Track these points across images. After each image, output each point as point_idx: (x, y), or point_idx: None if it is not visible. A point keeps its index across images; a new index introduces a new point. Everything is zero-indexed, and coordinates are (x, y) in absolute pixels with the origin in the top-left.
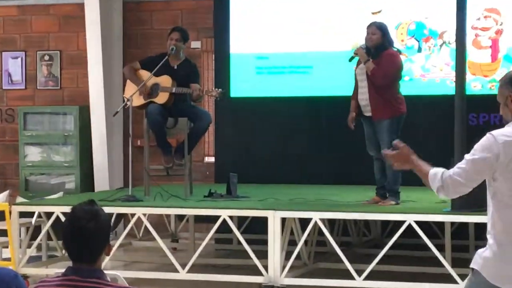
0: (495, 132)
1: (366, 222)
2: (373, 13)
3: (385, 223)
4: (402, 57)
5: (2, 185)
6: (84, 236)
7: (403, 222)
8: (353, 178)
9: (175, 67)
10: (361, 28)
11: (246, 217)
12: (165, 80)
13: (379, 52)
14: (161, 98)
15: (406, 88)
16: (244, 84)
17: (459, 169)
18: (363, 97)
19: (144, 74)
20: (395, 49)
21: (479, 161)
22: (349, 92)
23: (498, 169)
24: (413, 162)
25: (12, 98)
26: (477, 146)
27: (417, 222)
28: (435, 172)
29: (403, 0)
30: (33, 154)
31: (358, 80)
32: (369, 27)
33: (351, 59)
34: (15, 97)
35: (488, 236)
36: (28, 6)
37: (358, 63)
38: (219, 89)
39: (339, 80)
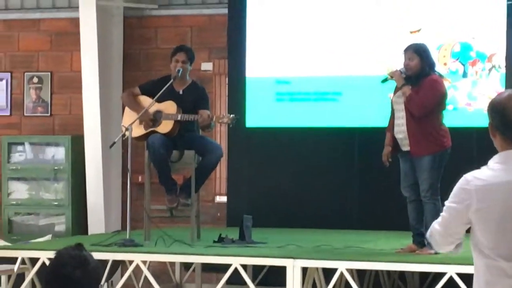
0: (470, 175)
1: (402, 274)
2: (411, 32)
3: (424, 275)
4: (445, 84)
5: None
6: (68, 285)
7: (443, 274)
8: (387, 222)
9: (181, 92)
10: (397, 49)
11: (262, 267)
12: (169, 107)
13: (419, 78)
14: (165, 127)
15: (449, 119)
16: (262, 113)
17: (440, 217)
18: (400, 129)
19: (145, 100)
20: (438, 74)
21: (452, 209)
22: (384, 123)
23: (473, 218)
24: None
25: None
26: (454, 189)
27: (459, 275)
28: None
29: (446, 18)
30: (18, 191)
31: (395, 110)
32: (405, 51)
33: (384, 80)
34: None
35: None
36: (15, 21)
37: (396, 90)
38: (232, 115)
39: (373, 109)
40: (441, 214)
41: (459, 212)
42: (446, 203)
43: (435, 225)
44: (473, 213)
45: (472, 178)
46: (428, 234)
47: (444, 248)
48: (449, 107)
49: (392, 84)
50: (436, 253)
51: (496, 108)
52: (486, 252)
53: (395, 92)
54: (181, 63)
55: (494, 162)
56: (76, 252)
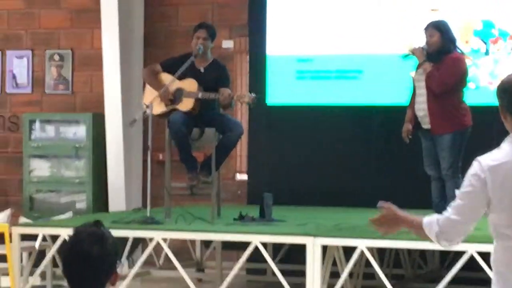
0: (481, 157)
1: (422, 253)
2: (432, 10)
3: (444, 253)
4: (467, 61)
5: (3, 203)
6: (86, 262)
7: (464, 252)
8: (408, 200)
9: (202, 70)
10: (419, 27)
11: (282, 245)
12: (190, 84)
13: (441, 55)
14: (186, 105)
15: (471, 97)
16: (282, 90)
17: (453, 208)
18: (421, 107)
19: (166, 77)
20: (459, 51)
21: (468, 193)
22: (405, 101)
23: (490, 199)
24: (403, 220)
25: (16, 103)
26: (465, 176)
27: (480, 253)
28: (430, 220)
29: None
30: (39, 168)
31: (416, 87)
32: (426, 29)
33: (405, 56)
34: (20, 102)
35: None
36: None
37: (418, 67)
38: (253, 94)
39: (393, 86)
40: (455, 204)
41: (478, 194)
42: (460, 191)
43: (451, 216)
44: (490, 193)
45: (483, 160)
46: (436, 232)
47: (456, 240)
48: (470, 85)
49: (414, 62)
50: None
51: (505, 89)
52: (503, 232)
53: (416, 69)
54: (202, 40)
55: (505, 144)
56: (94, 229)
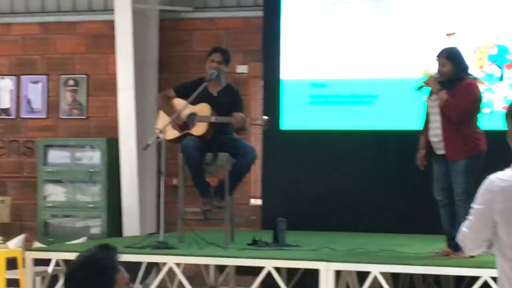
0: (493, 176)
1: (437, 278)
2: (447, 35)
3: (459, 279)
4: (482, 87)
5: (18, 229)
6: (71, 285)
7: (478, 277)
8: (421, 226)
9: (215, 94)
10: (433, 51)
11: (296, 270)
12: (203, 109)
13: (454, 82)
14: (199, 129)
15: (486, 121)
16: (296, 115)
17: (468, 220)
18: (435, 133)
19: (179, 102)
20: (472, 77)
21: (478, 212)
22: (419, 126)
23: (497, 219)
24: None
25: (31, 128)
26: (478, 192)
27: (494, 278)
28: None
29: (483, 20)
30: (54, 193)
31: (430, 113)
32: (438, 57)
33: (419, 88)
34: (35, 127)
35: None
36: (51, 23)
37: (431, 93)
38: (266, 117)
39: (408, 112)
40: (469, 217)
41: (485, 215)
42: (473, 205)
43: (464, 228)
44: (498, 215)
45: (496, 179)
46: (458, 237)
47: (475, 251)
48: (485, 110)
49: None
50: (471, 257)
51: None
52: (509, 254)
53: (430, 95)
54: (217, 63)
55: None
56: (85, 253)
